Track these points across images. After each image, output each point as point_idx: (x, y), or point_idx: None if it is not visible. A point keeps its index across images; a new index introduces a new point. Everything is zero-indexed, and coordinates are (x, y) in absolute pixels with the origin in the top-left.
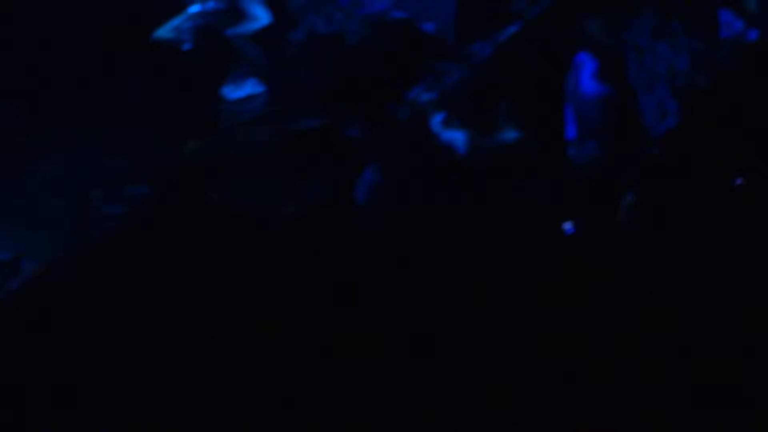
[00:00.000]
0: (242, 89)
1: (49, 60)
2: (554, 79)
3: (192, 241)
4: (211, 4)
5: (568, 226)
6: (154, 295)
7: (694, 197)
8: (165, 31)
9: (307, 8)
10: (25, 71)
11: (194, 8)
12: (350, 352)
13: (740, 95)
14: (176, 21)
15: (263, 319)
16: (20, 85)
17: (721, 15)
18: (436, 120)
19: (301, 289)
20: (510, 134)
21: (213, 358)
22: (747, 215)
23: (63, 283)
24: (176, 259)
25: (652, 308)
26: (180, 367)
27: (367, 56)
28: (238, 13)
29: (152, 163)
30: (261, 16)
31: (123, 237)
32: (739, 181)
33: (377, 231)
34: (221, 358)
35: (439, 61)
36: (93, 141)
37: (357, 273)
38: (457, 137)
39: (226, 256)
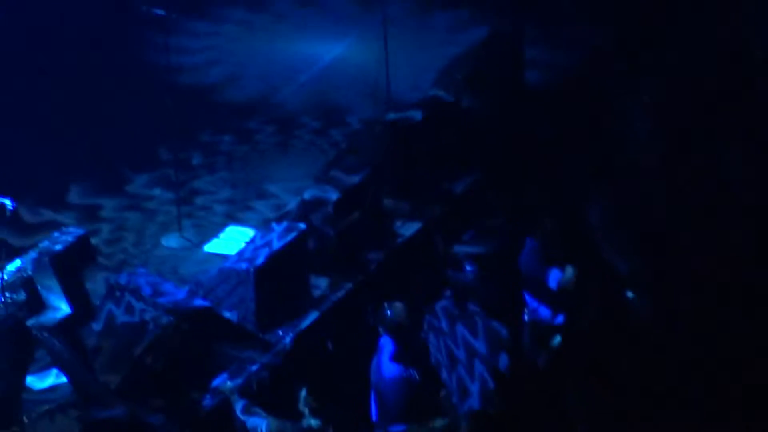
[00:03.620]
0: (46, 379)
1: None
2: (358, 363)
3: None
4: (11, 294)
5: None
6: None
7: None
8: None
9: (107, 297)
10: None
11: None
12: None
13: (540, 380)
14: None
15: None
16: None
17: (526, 298)
18: (240, 407)
19: None
20: (312, 421)
21: None
22: None
23: None
24: None
25: None
26: None
27: (168, 345)
28: (38, 303)
29: None
30: (61, 307)
31: None
32: None
33: None
34: None
35: (241, 348)
36: None
37: None
38: (260, 424)
39: None
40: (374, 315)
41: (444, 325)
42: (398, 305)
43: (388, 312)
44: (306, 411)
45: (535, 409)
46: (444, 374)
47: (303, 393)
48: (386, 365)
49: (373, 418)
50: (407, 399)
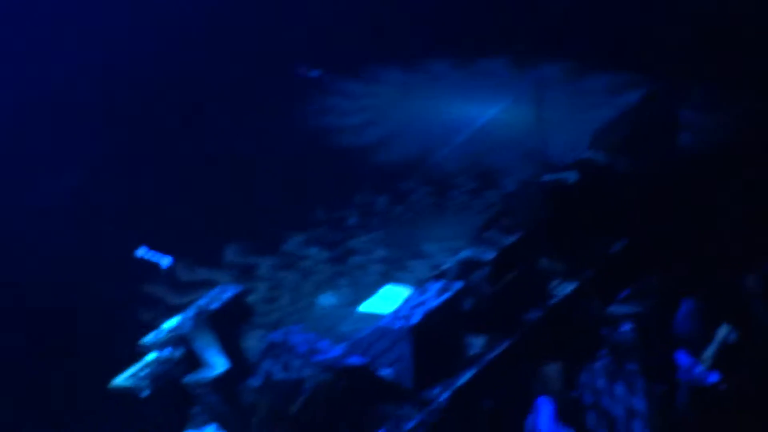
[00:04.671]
0: None
1: None
2: (513, 422)
3: None
4: (167, 351)
5: None
6: None
7: None
8: (123, 379)
9: (264, 355)
10: None
11: (151, 355)
12: None
13: None
14: (133, 368)
15: None
16: None
17: (679, 358)
18: None
19: None
20: None
21: None
22: None
23: None
24: None
25: None
26: None
27: (325, 402)
28: (195, 361)
29: None
30: (218, 364)
31: None
32: None
33: None
34: None
35: (398, 405)
36: None
37: None
38: None
39: None
40: (531, 375)
41: (601, 384)
42: (554, 366)
43: (545, 373)
44: None
45: None
46: None
47: None
48: (542, 425)
49: None
50: None
